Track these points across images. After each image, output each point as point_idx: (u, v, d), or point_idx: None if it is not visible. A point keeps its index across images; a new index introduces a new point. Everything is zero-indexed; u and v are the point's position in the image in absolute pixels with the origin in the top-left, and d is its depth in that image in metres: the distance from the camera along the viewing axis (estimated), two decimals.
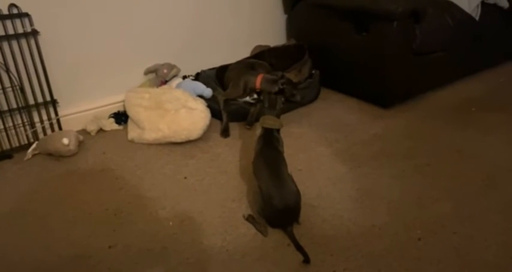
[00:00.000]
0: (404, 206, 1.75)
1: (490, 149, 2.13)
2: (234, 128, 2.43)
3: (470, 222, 1.64)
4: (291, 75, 2.66)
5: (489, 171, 1.96)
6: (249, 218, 1.69)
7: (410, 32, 2.42)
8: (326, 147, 2.20)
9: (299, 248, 1.51)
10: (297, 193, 1.63)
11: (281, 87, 2.35)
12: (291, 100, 2.45)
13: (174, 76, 2.68)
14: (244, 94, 2.50)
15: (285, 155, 1.77)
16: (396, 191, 1.84)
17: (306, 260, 1.47)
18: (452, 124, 2.39)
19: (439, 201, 1.77)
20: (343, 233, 1.61)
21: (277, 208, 1.57)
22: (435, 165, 2.02)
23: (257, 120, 2.02)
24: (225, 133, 2.37)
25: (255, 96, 2.49)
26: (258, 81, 2.42)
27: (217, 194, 1.88)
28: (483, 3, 2.77)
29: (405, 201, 1.78)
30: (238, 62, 2.71)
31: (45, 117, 2.36)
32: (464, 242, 1.55)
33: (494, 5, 2.84)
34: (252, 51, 3.05)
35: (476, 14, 2.74)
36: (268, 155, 1.74)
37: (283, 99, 2.00)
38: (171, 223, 1.71)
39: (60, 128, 2.41)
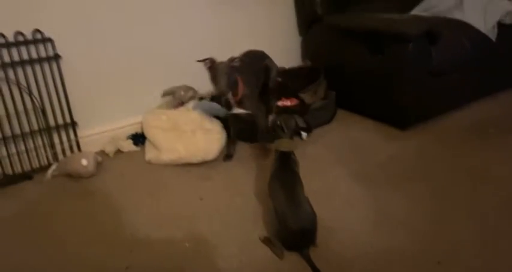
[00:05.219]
0: (422, 229, 1.72)
1: (509, 172, 2.10)
2: (248, 149, 2.43)
3: (491, 246, 1.61)
4: (306, 96, 2.68)
5: (509, 194, 1.92)
6: (265, 241, 1.68)
7: (426, 53, 2.42)
8: (342, 169, 2.19)
9: (316, 271, 1.50)
10: (313, 215, 1.61)
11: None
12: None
13: (191, 98, 2.72)
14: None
15: (301, 176, 1.77)
16: (414, 214, 1.82)
17: None
18: (469, 146, 2.35)
19: (458, 224, 1.74)
20: (360, 256, 1.59)
21: (292, 230, 1.56)
22: (453, 188, 1.99)
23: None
24: (228, 158, 2.36)
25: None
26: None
27: (233, 216, 1.88)
28: (499, 24, 2.77)
29: (423, 224, 1.75)
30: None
31: (64, 139, 2.42)
32: (485, 266, 1.51)
33: (511, 26, 2.84)
34: None
35: (493, 34, 2.73)
36: (284, 177, 1.74)
37: (297, 121, 1.96)
38: (187, 245, 1.71)
39: (79, 149, 2.45)
